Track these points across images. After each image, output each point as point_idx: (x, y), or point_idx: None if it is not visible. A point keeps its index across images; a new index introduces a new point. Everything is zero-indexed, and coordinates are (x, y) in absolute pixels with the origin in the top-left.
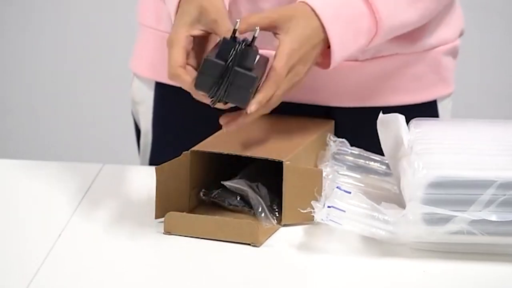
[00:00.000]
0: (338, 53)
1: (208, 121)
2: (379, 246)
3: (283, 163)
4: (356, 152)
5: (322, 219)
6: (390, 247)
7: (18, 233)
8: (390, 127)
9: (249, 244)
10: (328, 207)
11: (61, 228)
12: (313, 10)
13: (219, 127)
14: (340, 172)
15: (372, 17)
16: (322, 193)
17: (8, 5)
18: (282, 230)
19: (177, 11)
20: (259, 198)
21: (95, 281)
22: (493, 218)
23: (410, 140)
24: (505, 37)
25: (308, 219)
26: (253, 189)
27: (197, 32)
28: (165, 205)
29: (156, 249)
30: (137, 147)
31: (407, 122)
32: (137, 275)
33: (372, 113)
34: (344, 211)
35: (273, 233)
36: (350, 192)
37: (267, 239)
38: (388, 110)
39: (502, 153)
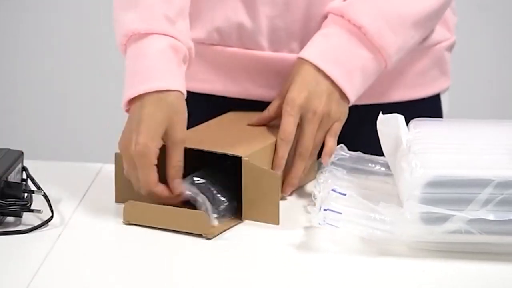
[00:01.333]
0: (353, 97)
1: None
2: (377, 245)
3: (242, 159)
4: (355, 156)
5: (319, 223)
6: (388, 247)
7: (18, 233)
8: (389, 127)
9: (200, 236)
10: (324, 210)
11: (61, 228)
12: (319, 69)
13: None
14: (340, 177)
15: (379, 56)
16: (318, 196)
17: (8, 5)
18: (280, 230)
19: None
20: (205, 198)
21: (94, 281)
22: (491, 217)
23: (408, 139)
24: (501, 37)
25: (271, 220)
26: (205, 188)
27: (160, 145)
28: (124, 190)
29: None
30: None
31: (414, 116)
32: (135, 275)
33: (376, 110)
34: (340, 213)
35: (230, 227)
36: (345, 194)
37: (222, 232)
38: (392, 106)
39: (500, 152)
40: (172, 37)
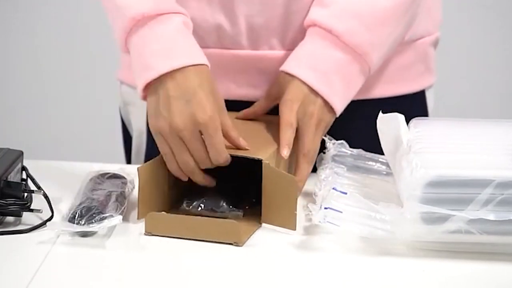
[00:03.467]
0: (340, 106)
1: None
2: (378, 245)
3: (262, 161)
4: (356, 153)
5: (319, 222)
6: (388, 246)
7: (18, 233)
8: (389, 126)
9: (231, 244)
10: (325, 208)
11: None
12: (303, 82)
13: None
14: (341, 174)
15: (357, 56)
16: (318, 194)
17: (10, 5)
18: (280, 228)
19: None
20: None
21: (94, 280)
22: (491, 217)
23: (409, 139)
24: (498, 36)
25: (288, 225)
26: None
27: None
28: (147, 204)
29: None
30: (123, 147)
31: (399, 112)
32: (134, 274)
33: (362, 106)
34: (341, 212)
35: (253, 233)
36: (346, 193)
37: (248, 238)
38: (378, 102)
39: (500, 152)
40: (181, 13)
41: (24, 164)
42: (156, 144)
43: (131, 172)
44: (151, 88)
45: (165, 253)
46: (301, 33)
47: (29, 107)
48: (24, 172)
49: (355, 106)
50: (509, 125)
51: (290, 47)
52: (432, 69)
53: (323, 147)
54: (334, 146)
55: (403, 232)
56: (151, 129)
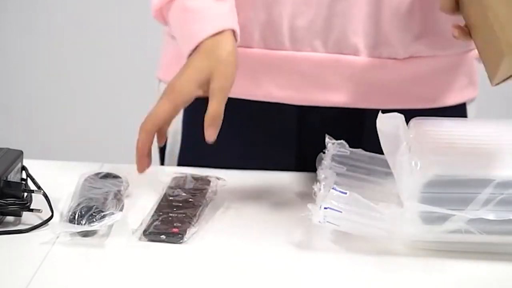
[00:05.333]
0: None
1: (241, 125)
2: (377, 245)
3: None
4: (356, 153)
5: (319, 222)
6: (388, 246)
7: (18, 232)
8: (389, 126)
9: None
10: (325, 208)
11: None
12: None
13: (251, 131)
14: (340, 174)
15: None
16: (318, 194)
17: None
18: (280, 228)
19: (190, 54)
20: None
21: (94, 280)
22: (491, 217)
23: (409, 139)
24: None
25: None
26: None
27: (195, 92)
28: None
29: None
30: (158, 149)
31: None
32: (134, 273)
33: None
34: (340, 211)
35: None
36: (346, 193)
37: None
38: (417, 112)
39: (500, 152)
40: None
41: (24, 164)
42: (190, 144)
43: (125, 171)
44: None
45: (165, 252)
46: (344, 35)
47: (29, 107)
48: (24, 172)
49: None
50: (509, 124)
51: (333, 50)
52: (475, 82)
53: (323, 147)
54: (334, 146)
55: (403, 232)
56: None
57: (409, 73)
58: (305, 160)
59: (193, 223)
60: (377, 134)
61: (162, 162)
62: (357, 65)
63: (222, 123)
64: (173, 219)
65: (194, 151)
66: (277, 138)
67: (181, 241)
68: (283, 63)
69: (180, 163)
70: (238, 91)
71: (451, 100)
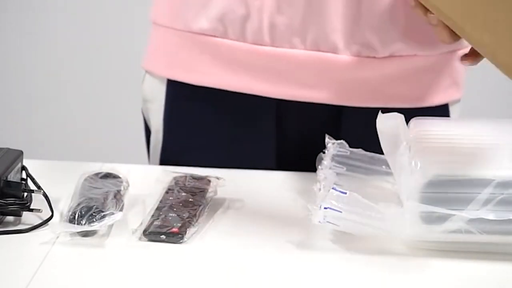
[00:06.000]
0: None
1: (220, 119)
2: (377, 245)
3: None
4: (356, 153)
5: (319, 221)
6: (388, 246)
7: (18, 232)
8: (389, 126)
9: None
10: (325, 208)
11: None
12: None
13: (230, 125)
14: (340, 174)
15: None
16: (318, 194)
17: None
18: (280, 228)
19: None
20: None
21: (94, 280)
22: (491, 217)
23: (408, 139)
24: None
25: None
26: None
27: None
28: None
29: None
30: (146, 147)
31: None
32: (134, 273)
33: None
34: (340, 211)
35: None
36: (346, 193)
37: None
38: (400, 111)
39: (501, 152)
40: None
41: (24, 164)
42: (171, 143)
43: (125, 171)
44: None
45: (166, 253)
46: (323, 33)
47: (29, 107)
48: (24, 171)
49: (375, 114)
50: (509, 124)
51: (311, 47)
52: (459, 83)
53: (323, 147)
54: (334, 146)
55: (402, 232)
56: None
57: (389, 72)
58: (284, 156)
59: (193, 223)
60: (356, 132)
61: (149, 160)
62: (336, 63)
63: (203, 116)
64: (173, 219)
65: (175, 148)
66: (256, 131)
67: (181, 241)
68: (262, 58)
69: (162, 161)
70: (217, 81)
71: (433, 100)
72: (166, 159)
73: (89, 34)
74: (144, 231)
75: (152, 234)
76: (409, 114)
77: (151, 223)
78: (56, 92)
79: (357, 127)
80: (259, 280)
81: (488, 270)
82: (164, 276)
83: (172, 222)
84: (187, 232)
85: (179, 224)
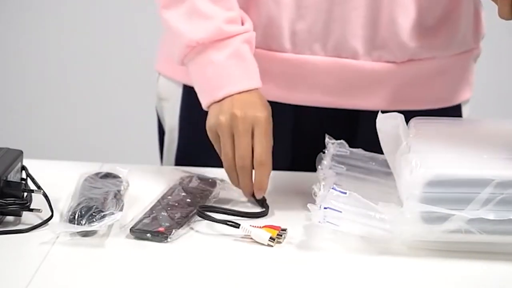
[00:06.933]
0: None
1: None
2: (377, 245)
3: None
4: (356, 153)
5: (319, 221)
6: (388, 246)
7: (18, 232)
8: (389, 126)
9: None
10: (325, 208)
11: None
12: None
13: None
14: (340, 174)
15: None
16: (318, 194)
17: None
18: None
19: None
20: None
21: (94, 280)
22: (491, 216)
23: (409, 139)
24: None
25: None
26: None
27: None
28: None
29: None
30: (159, 147)
31: None
32: (134, 272)
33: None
34: (340, 211)
35: None
36: (346, 193)
37: None
38: (414, 113)
39: (500, 152)
40: (241, 33)
41: (24, 163)
42: (186, 142)
43: (124, 171)
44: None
45: (166, 253)
46: (343, 39)
47: (29, 107)
48: (24, 171)
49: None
50: (509, 124)
51: (332, 53)
52: (471, 83)
53: (323, 147)
54: (334, 146)
55: (403, 232)
56: (208, 127)
57: (408, 75)
58: (300, 160)
59: (182, 223)
60: (372, 136)
61: (161, 159)
62: (356, 69)
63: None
64: (163, 218)
65: (190, 148)
66: (273, 135)
67: (165, 240)
68: (283, 65)
69: (177, 160)
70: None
71: (450, 101)
72: (181, 158)
73: (89, 34)
74: (131, 228)
75: (138, 231)
76: (424, 115)
77: (140, 221)
78: (56, 92)
79: (374, 131)
80: (259, 280)
81: (488, 270)
82: (164, 276)
83: (161, 222)
84: (173, 232)
85: (167, 224)
